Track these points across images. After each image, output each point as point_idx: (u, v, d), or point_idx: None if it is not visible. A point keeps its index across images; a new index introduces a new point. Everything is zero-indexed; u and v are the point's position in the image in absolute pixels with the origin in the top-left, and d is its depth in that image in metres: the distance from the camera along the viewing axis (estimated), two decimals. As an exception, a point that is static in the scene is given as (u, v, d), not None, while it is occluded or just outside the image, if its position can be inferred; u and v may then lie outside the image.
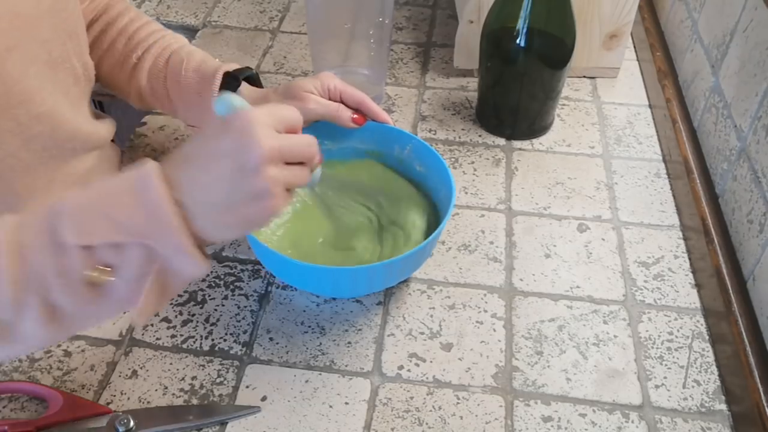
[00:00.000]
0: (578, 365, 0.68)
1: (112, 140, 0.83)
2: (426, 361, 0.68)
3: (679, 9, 1.00)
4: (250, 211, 0.52)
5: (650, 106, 0.98)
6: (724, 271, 0.71)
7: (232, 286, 0.74)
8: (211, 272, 0.76)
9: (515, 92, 0.89)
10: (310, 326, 0.71)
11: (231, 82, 0.77)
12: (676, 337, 0.70)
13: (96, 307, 0.53)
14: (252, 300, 0.73)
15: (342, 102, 0.76)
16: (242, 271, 0.76)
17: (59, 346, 0.69)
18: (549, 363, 0.68)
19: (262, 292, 0.74)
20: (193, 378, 0.66)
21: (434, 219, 0.74)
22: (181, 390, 0.65)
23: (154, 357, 0.68)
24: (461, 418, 0.64)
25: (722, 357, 0.68)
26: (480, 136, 0.93)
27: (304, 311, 0.72)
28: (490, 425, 0.63)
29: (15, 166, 0.68)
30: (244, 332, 0.70)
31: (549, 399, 0.65)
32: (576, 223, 0.82)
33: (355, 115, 0.76)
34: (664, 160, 0.90)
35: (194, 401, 0.65)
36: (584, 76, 1.03)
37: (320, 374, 0.67)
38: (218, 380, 0.66)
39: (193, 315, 0.72)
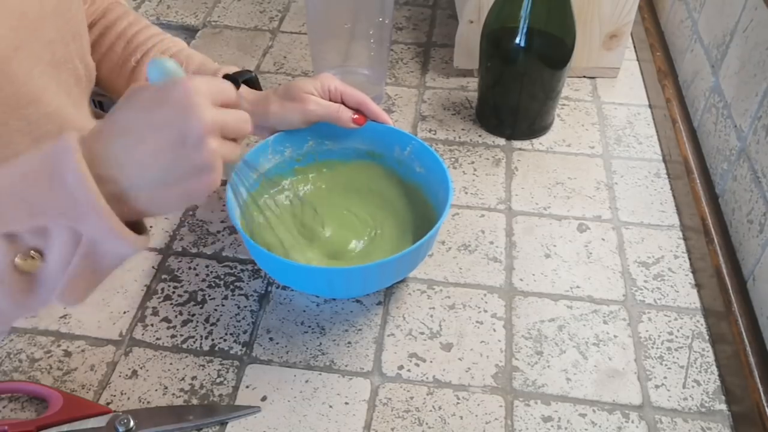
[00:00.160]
0: (578, 365, 0.68)
1: None
2: (426, 361, 0.68)
3: (679, 9, 1.00)
4: (190, 186, 0.49)
5: (650, 106, 0.98)
6: (724, 271, 0.71)
7: (232, 286, 0.74)
8: (211, 272, 0.76)
9: (515, 92, 0.89)
10: (310, 326, 0.71)
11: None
12: (676, 337, 0.70)
13: (30, 297, 0.51)
14: (252, 300, 0.73)
15: (342, 103, 0.76)
16: (242, 271, 0.76)
17: (59, 346, 0.69)
18: (549, 363, 0.68)
19: (262, 292, 0.74)
20: (193, 378, 0.66)
21: (431, 221, 0.74)
22: (181, 390, 0.65)
23: (154, 357, 0.68)
24: (461, 418, 0.64)
25: (722, 357, 0.68)
26: (480, 136, 0.93)
27: (304, 311, 0.72)
28: (490, 425, 0.63)
29: None
30: (244, 332, 0.70)
31: (549, 399, 0.65)
32: (576, 223, 0.82)
33: (356, 116, 0.76)
34: (664, 160, 0.90)
35: (194, 401, 0.65)
36: (584, 76, 1.03)
37: (320, 374, 0.67)
38: (218, 380, 0.66)
39: (193, 315, 0.72)
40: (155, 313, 0.72)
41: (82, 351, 0.68)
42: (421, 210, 0.77)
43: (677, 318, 0.72)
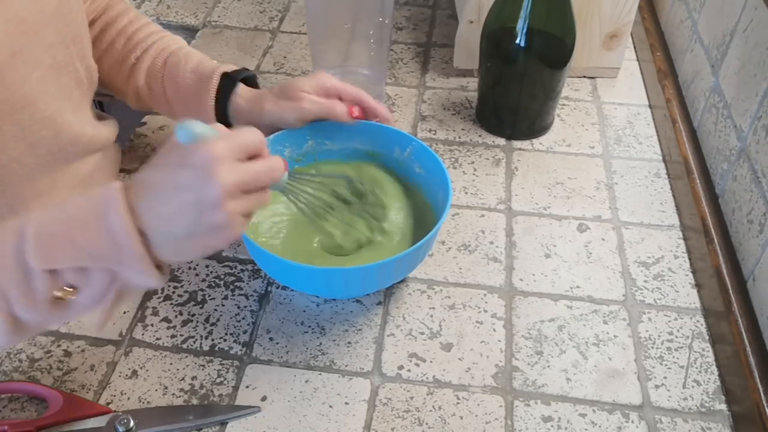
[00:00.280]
0: (578, 365, 0.68)
1: (114, 141, 0.83)
2: (426, 361, 0.68)
3: (679, 9, 1.00)
4: (211, 240, 0.54)
5: (650, 106, 0.98)
6: (724, 271, 0.71)
7: (232, 286, 0.74)
8: (211, 272, 0.76)
9: (515, 92, 0.89)
10: (310, 326, 0.71)
11: (228, 83, 0.77)
12: (676, 337, 0.70)
13: (58, 318, 0.55)
14: (252, 300, 0.73)
15: (340, 99, 0.76)
16: (242, 271, 0.76)
17: (59, 346, 0.69)
18: (549, 363, 0.68)
19: (262, 292, 0.74)
20: (193, 378, 0.66)
21: (431, 221, 0.74)
22: (181, 390, 0.65)
23: (154, 357, 0.68)
24: (461, 418, 0.64)
25: (722, 357, 0.68)
26: (480, 136, 0.93)
27: (304, 311, 0.72)
28: (490, 425, 0.63)
29: (18, 170, 0.68)
30: (244, 332, 0.70)
31: (549, 399, 0.65)
32: (576, 223, 0.82)
33: (353, 109, 0.76)
34: (664, 160, 0.90)
35: (194, 401, 0.65)
36: (584, 76, 1.03)
37: (320, 374, 0.67)
38: (218, 380, 0.66)
39: (193, 315, 0.72)
40: (155, 313, 0.72)
41: (82, 351, 0.68)
42: (420, 210, 0.77)
43: (677, 318, 0.72)
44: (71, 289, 0.53)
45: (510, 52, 0.86)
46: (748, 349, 0.64)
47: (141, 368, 0.67)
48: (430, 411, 0.64)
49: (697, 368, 0.68)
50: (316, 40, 0.94)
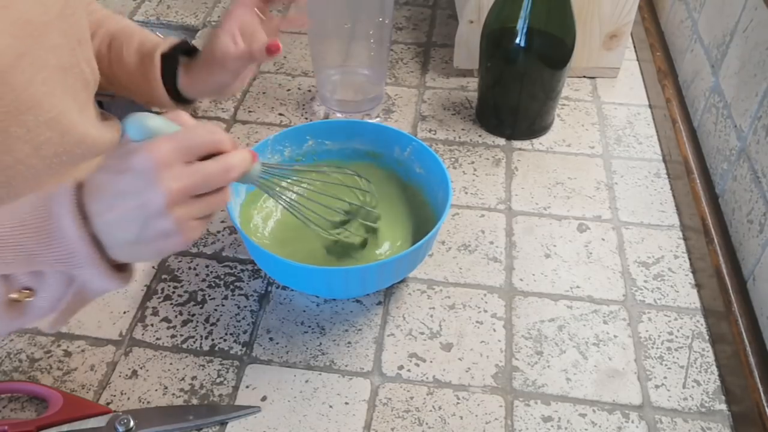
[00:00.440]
0: (578, 365, 0.68)
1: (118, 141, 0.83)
2: (426, 361, 0.68)
3: (679, 9, 1.00)
4: (161, 246, 0.51)
5: (650, 106, 0.98)
6: (724, 271, 0.71)
7: (232, 286, 0.74)
8: (211, 272, 0.76)
9: (515, 92, 0.89)
10: (310, 326, 0.71)
11: (170, 62, 0.79)
12: (676, 337, 0.70)
13: (17, 320, 0.54)
14: (252, 300, 0.73)
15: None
16: (242, 271, 0.76)
17: (59, 346, 0.69)
18: (549, 363, 0.68)
19: (262, 292, 0.74)
20: (193, 378, 0.66)
21: (431, 221, 0.74)
22: (181, 390, 0.65)
23: (154, 357, 0.68)
24: (461, 418, 0.64)
25: (722, 357, 0.68)
26: (480, 136, 0.93)
27: (304, 311, 0.72)
28: (490, 425, 0.63)
29: (24, 172, 0.68)
30: (244, 332, 0.70)
31: (549, 399, 0.65)
32: (576, 223, 0.82)
33: (270, 46, 0.74)
34: (664, 160, 0.90)
35: (194, 401, 0.65)
36: (584, 76, 1.03)
37: (320, 374, 0.67)
38: (218, 380, 0.66)
39: (193, 315, 0.72)
40: (155, 313, 0.72)
41: (82, 351, 0.68)
42: (420, 210, 0.77)
43: (677, 318, 0.72)
44: (28, 291, 0.52)
45: (510, 52, 0.86)
46: (748, 349, 0.64)
47: (141, 368, 0.67)
48: (430, 411, 0.64)
49: (697, 368, 0.68)
50: (316, 40, 0.94)
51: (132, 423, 0.61)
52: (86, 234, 0.49)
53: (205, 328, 0.71)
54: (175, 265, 0.76)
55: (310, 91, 1.00)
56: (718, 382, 0.67)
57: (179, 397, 0.65)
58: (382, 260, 0.65)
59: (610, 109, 0.98)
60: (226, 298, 0.73)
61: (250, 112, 0.96)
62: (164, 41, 0.80)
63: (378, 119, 0.95)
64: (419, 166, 0.77)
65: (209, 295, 0.74)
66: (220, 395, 0.65)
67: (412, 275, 0.75)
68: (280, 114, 0.96)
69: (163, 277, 0.75)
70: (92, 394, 0.65)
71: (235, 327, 0.71)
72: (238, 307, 0.72)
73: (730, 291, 0.69)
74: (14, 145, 0.66)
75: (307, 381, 0.66)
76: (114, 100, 1.17)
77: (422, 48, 1.09)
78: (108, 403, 0.64)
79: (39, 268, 0.51)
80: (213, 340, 0.70)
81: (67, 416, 0.62)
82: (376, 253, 0.73)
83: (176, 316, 0.72)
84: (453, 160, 0.89)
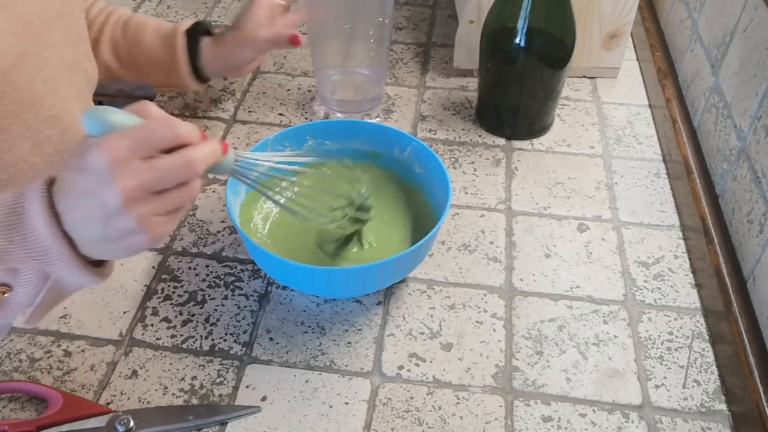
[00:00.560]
0: (578, 365, 0.68)
1: None
2: (426, 361, 0.68)
3: (679, 9, 1.00)
4: (128, 243, 0.50)
5: (650, 106, 0.98)
6: (724, 271, 0.71)
7: (232, 286, 0.74)
8: (211, 272, 0.76)
9: (515, 92, 0.89)
10: (310, 326, 0.71)
11: (192, 39, 0.84)
12: (676, 337, 0.70)
13: None
14: (252, 300, 0.73)
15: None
16: (242, 271, 0.76)
17: (59, 346, 0.69)
18: (549, 363, 0.68)
19: (262, 292, 0.74)
20: (193, 378, 0.66)
21: (431, 221, 0.74)
22: (181, 390, 0.65)
23: (154, 357, 0.68)
24: (461, 418, 0.64)
25: (722, 357, 0.68)
26: (480, 136, 0.93)
27: (304, 311, 0.72)
28: (490, 425, 0.63)
29: (26, 170, 0.68)
30: (244, 332, 0.70)
31: (549, 399, 0.65)
32: (576, 223, 0.81)
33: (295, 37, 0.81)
34: (664, 160, 0.90)
35: (194, 401, 0.65)
36: (584, 76, 1.03)
37: (320, 374, 0.67)
38: (218, 380, 0.66)
39: (193, 315, 0.72)
40: (155, 313, 0.72)
41: (82, 351, 0.68)
42: (420, 210, 0.77)
43: (677, 318, 0.72)
44: (5, 287, 0.52)
45: (510, 52, 0.86)
46: (748, 349, 0.64)
47: (141, 368, 0.67)
48: (430, 411, 0.64)
49: (697, 368, 0.68)
50: (316, 40, 0.94)
51: (132, 423, 0.61)
52: (58, 231, 0.49)
53: (205, 328, 0.71)
54: (175, 265, 0.76)
55: (310, 91, 1.00)
56: (718, 382, 0.67)
57: (179, 397, 0.65)
58: (382, 260, 0.65)
59: (610, 109, 0.98)
60: (226, 298, 0.73)
61: (250, 112, 0.96)
62: (183, 22, 0.85)
63: (378, 119, 0.95)
64: (419, 166, 0.77)
65: (209, 295, 0.74)
66: (220, 395, 0.65)
67: (412, 275, 0.75)
68: (280, 114, 0.96)
69: (163, 277, 0.75)
70: (92, 394, 0.65)
71: (235, 327, 0.71)
72: (238, 307, 0.72)
73: (730, 291, 0.69)
74: (15, 143, 0.66)
75: (307, 381, 0.66)
76: (114, 100, 1.17)
77: (422, 48, 1.09)
78: (108, 403, 0.64)
79: (13, 265, 0.51)
80: (213, 340, 0.70)
81: (67, 416, 0.62)
82: (376, 254, 0.73)
83: (176, 316, 0.72)
84: (453, 160, 0.89)
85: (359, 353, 0.69)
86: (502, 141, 0.92)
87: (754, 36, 0.76)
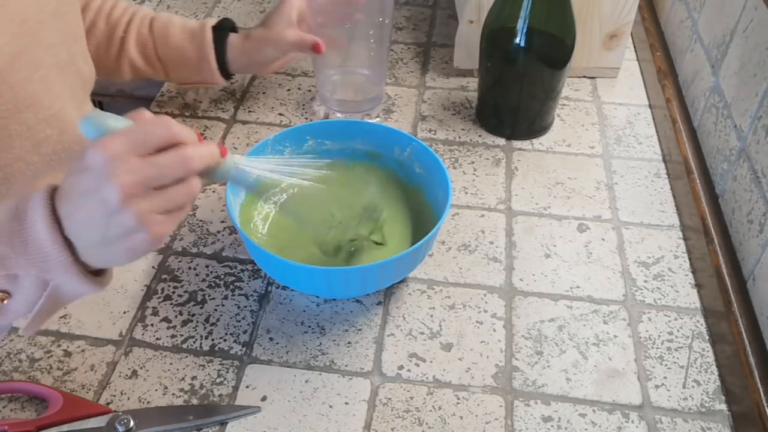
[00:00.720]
0: (578, 365, 0.68)
1: None
2: (426, 361, 0.68)
3: (679, 9, 1.00)
4: (128, 245, 0.50)
5: (650, 106, 0.98)
6: (724, 271, 0.71)
7: (232, 286, 0.74)
8: (211, 272, 0.76)
9: (515, 92, 0.89)
10: (310, 326, 0.71)
11: (219, 35, 0.86)
12: (676, 337, 0.70)
13: None
14: (252, 300, 0.73)
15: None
16: (242, 271, 0.76)
17: (59, 346, 0.69)
18: (549, 363, 0.68)
19: (262, 292, 0.74)
20: (193, 378, 0.66)
21: (431, 221, 0.74)
22: (181, 390, 0.65)
23: (154, 357, 0.68)
24: (461, 418, 0.64)
25: (722, 357, 0.68)
26: (480, 136, 0.93)
27: (304, 311, 0.72)
28: (490, 425, 0.63)
29: (24, 170, 0.68)
30: (244, 332, 0.70)
31: (549, 399, 0.65)
32: (576, 223, 0.82)
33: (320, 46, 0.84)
34: (664, 160, 0.90)
35: (194, 401, 0.65)
36: (584, 76, 1.03)
37: (320, 374, 0.67)
38: (218, 380, 0.66)
39: (193, 315, 0.72)
40: (155, 313, 0.72)
41: (82, 351, 0.68)
42: (420, 210, 0.77)
43: (677, 318, 0.72)
44: (3, 294, 0.52)
45: (510, 52, 0.86)
46: (748, 349, 0.64)
47: (141, 368, 0.67)
48: (430, 411, 0.64)
49: (697, 368, 0.68)
50: (317, 40, 0.94)
51: (132, 423, 0.61)
52: (59, 238, 0.50)
53: (205, 328, 0.71)
54: (175, 265, 0.76)
55: (310, 91, 1.00)
56: (718, 382, 0.67)
57: (179, 397, 0.65)
58: (382, 260, 0.65)
59: (610, 109, 0.98)
60: (226, 298, 0.73)
61: (250, 112, 0.96)
62: (209, 19, 0.87)
63: (378, 119, 0.95)
64: (419, 166, 0.77)
65: (209, 295, 0.74)
66: (220, 395, 0.65)
67: (412, 275, 0.75)
68: (280, 114, 0.96)
69: (163, 277, 0.75)
70: (92, 394, 0.65)
71: (235, 327, 0.71)
72: (238, 307, 0.72)
73: (730, 291, 0.69)
74: (14, 143, 0.66)
75: (307, 381, 0.66)
76: (114, 100, 1.17)
77: (422, 48, 1.09)
78: (108, 403, 0.64)
79: (14, 272, 0.51)
80: (213, 340, 0.70)
81: (67, 416, 0.62)
82: (376, 254, 0.73)
83: (176, 316, 0.72)
84: (453, 160, 0.89)
85: (359, 353, 0.69)
86: (502, 141, 0.92)
87: (754, 36, 0.76)
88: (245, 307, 0.73)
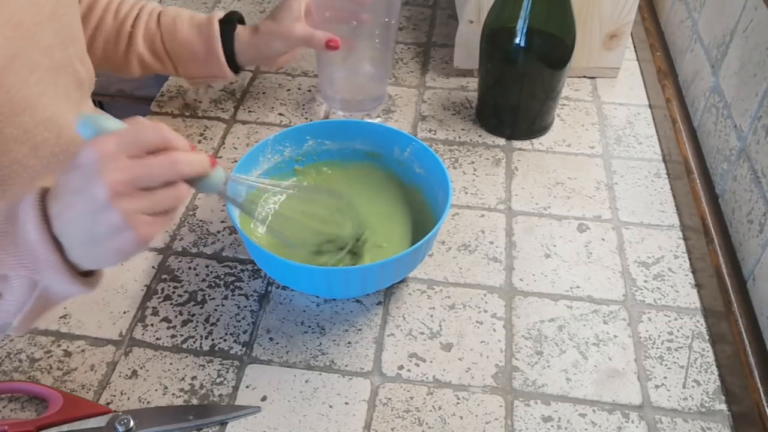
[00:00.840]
0: (578, 365, 0.68)
1: None
2: (426, 361, 0.68)
3: (679, 9, 1.00)
4: (115, 244, 0.50)
5: (650, 106, 0.98)
6: (724, 271, 0.71)
7: (232, 286, 0.74)
8: (211, 272, 0.76)
9: (515, 92, 0.89)
10: (310, 326, 0.71)
11: (227, 28, 0.86)
12: (676, 337, 0.70)
13: None
14: (252, 300, 0.73)
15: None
16: (242, 271, 0.76)
17: (59, 346, 0.69)
18: (549, 363, 0.68)
19: (262, 292, 0.74)
20: (193, 378, 0.66)
21: (431, 221, 0.74)
22: (181, 390, 0.65)
23: (154, 357, 0.68)
24: (461, 418, 0.64)
25: (722, 357, 0.68)
26: (480, 136, 0.93)
27: (304, 311, 0.72)
28: (490, 425, 0.63)
29: (21, 172, 0.68)
30: (244, 332, 0.70)
31: (549, 399, 0.65)
32: (576, 223, 0.82)
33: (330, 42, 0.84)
34: (664, 160, 0.90)
35: (194, 401, 0.65)
36: (584, 76, 1.03)
37: (320, 374, 0.67)
38: (218, 380, 0.66)
39: (193, 315, 0.72)
40: (155, 313, 0.72)
41: (82, 351, 0.68)
42: (420, 210, 0.77)
43: (677, 318, 0.72)
44: None
45: (510, 52, 0.86)
46: (748, 349, 0.64)
47: (141, 368, 0.67)
48: (430, 411, 0.64)
49: (697, 368, 0.68)
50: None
51: (132, 423, 0.61)
52: (48, 238, 0.50)
53: (205, 328, 0.71)
54: (175, 265, 0.76)
55: (310, 91, 1.00)
56: (718, 382, 0.67)
57: (179, 397, 0.65)
58: (382, 260, 0.65)
59: (610, 109, 0.98)
60: (226, 298, 0.73)
61: (250, 112, 0.96)
62: (217, 11, 0.87)
63: (378, 119, 0.95)
64: (419, 166, 0.77)
65: (209, 295, 0.74)
66: (220, 395, 0.65)
67: (412, 275, 0.75)
68: (280, 114, 0.96)
69: (163, 277, 0.75)
70: (92, 394, 0.65)
71: (235, 327, 0.71)
72: (238, 307, 0.72)
73: (730, 291, 0.69)
74: (11, 146, 0.66)
75: (307, 381, 0.66)
76: (114, 100, 1.17)
77: (422, 48, 1.09)
78: (108, 403, 0.64)
79: (3, 272, 0.51)
80: (213, 340, 0.70)
81: (67, 416, 0.62)
82: (376, 254, 0.73)
83: (176, 316, 0.72)
84: (453, 160, 0.89)
85: (359, 353, 0.69)
86: (502, 141, 0.92)
87: (754, 36, 0.76)
88: (245, 307, 0.73)
